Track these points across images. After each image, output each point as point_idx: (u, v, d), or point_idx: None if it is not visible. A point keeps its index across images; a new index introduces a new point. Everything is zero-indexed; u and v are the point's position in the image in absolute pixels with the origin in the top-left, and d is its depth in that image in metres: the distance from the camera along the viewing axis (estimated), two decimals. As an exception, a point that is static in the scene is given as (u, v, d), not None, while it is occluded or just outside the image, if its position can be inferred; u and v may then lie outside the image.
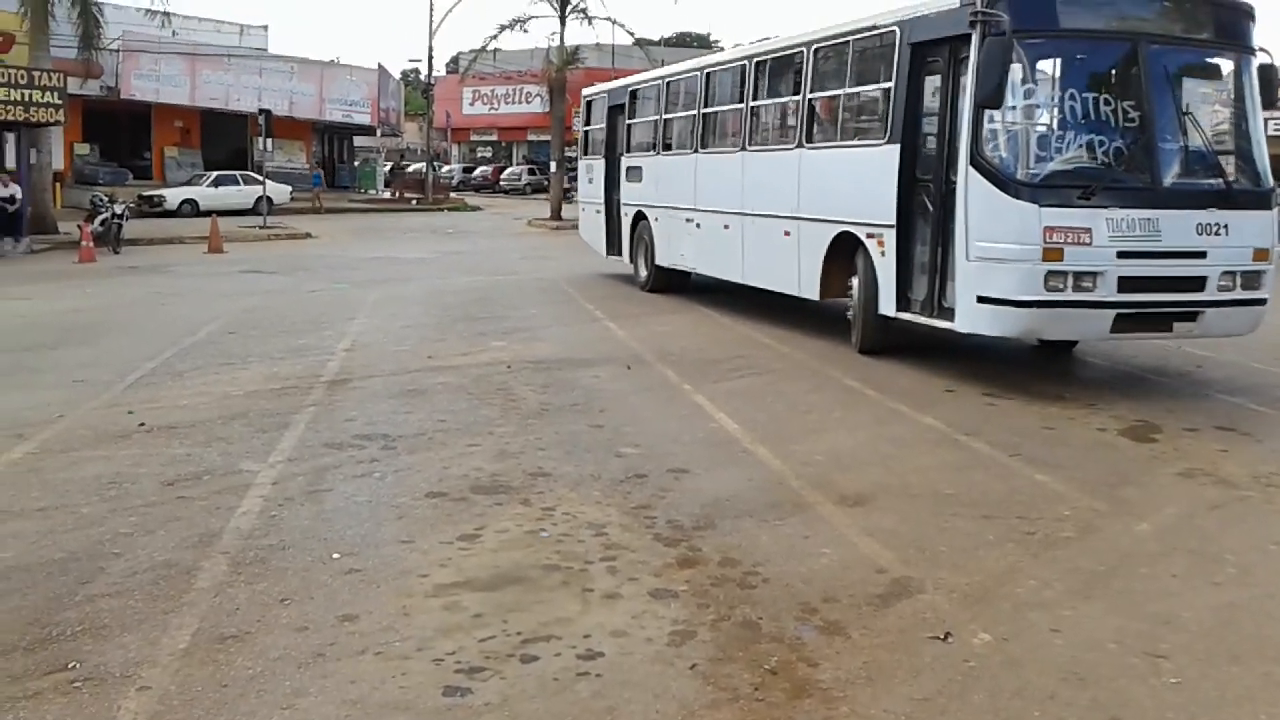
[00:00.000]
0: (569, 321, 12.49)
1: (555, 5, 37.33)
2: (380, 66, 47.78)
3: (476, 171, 63.12)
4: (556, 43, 37.84)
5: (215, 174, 34.58)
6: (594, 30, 43.76)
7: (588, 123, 18.08)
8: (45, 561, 4.62)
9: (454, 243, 25.47)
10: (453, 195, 48.52)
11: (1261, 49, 8.81)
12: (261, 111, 29.87)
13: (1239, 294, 8.33)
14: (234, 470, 6.05)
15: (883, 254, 9.37)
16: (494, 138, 67.84)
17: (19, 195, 20.98)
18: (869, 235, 9.60)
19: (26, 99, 20.98)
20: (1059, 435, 7.17)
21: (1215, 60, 8.92)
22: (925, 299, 9.02)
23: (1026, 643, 3.96)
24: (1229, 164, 8.71)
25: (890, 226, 9.23)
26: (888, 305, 9.42)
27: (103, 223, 21.42)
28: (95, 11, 25.63)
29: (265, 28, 46.85)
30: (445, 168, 55.15)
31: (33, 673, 3.63)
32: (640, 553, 4.82)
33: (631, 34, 42.54)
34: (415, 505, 5.46)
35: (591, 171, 17.38)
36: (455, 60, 66.10)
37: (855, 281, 9.97)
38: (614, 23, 48.27)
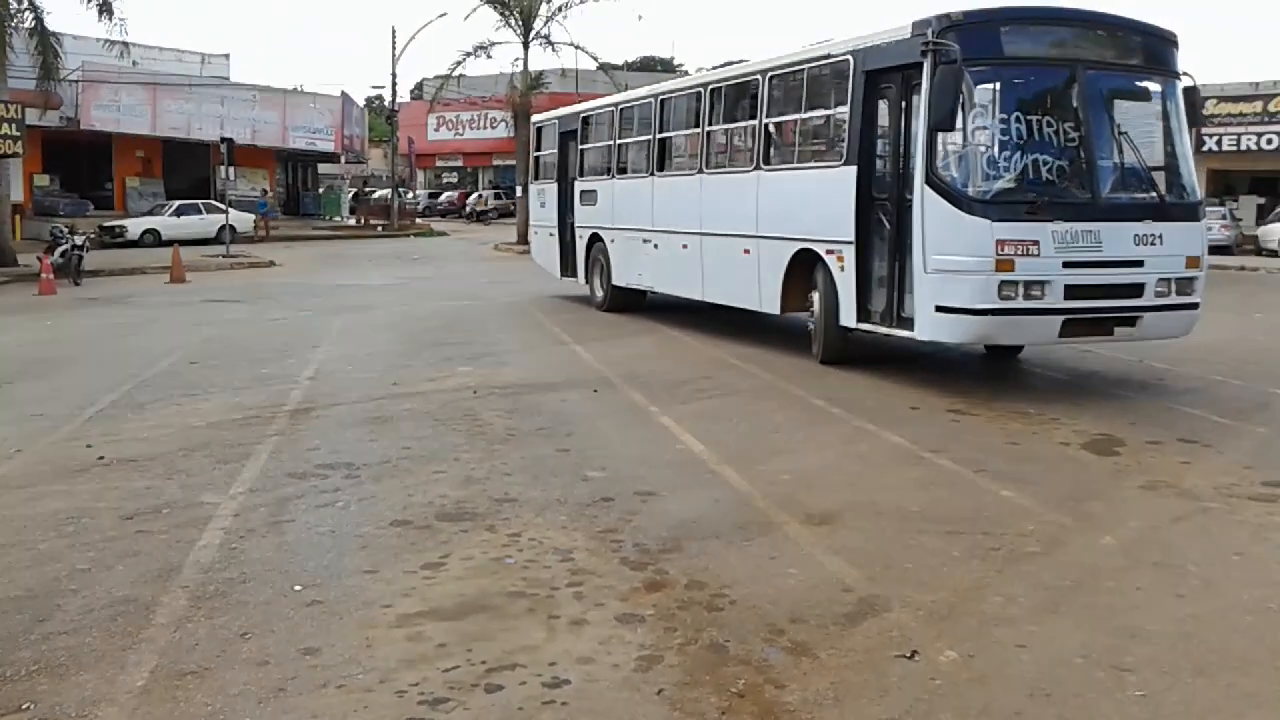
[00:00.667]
0: (536, 345, 12.46)
1: (519, 32, 37.44)
2: (344, 93, 47.67)
3: (442, 197, 63.05)
4: (520, 68, 37.96)
5: (177, 203, 34.36)
6: (558, 56, 43.89)
7: (538, 148, 18.42)
8: (0, 599, 4.53)
9: (420, 268, 25.38)
10: (418, 221, 48.41)
11: (1185, 73, 9.45)
12: (223, 140, 29.72)
13: (1174, 299, 8.93)
14: (195, 503, 5.96)
15: (842, 269, 9.80)
16: (459, 163, 67.83)
17: (-23, 228, 20.75)
18: (828, 251, 10.00)
19: (-16, 131, 20.78)
20: (1023, 450, 7.22)
21: (1145, 84, 9.50)
22: (884, 310, 9.47)
23: (993, 659, 3.95)
24: (1161, 179, 9.27)
25: (849, 243, 9.63)
26: (848, 317, 9.82)
27: (63, 254, 21.20)
28: (54, 42, 25.41)
29: (227, 56, 46.52)
30: (410, 194, 55.01)
31: (-15, 715, 3.55)
32: (607, 577, 4.79)
33: (595, 59, 42.72)
34: (379, 534, 5.40)
35: (544, 195, 17.67)
36: (419, 86, 66.10)
37: (816, 296, 10.38)
38: (577, 48, 48.40)
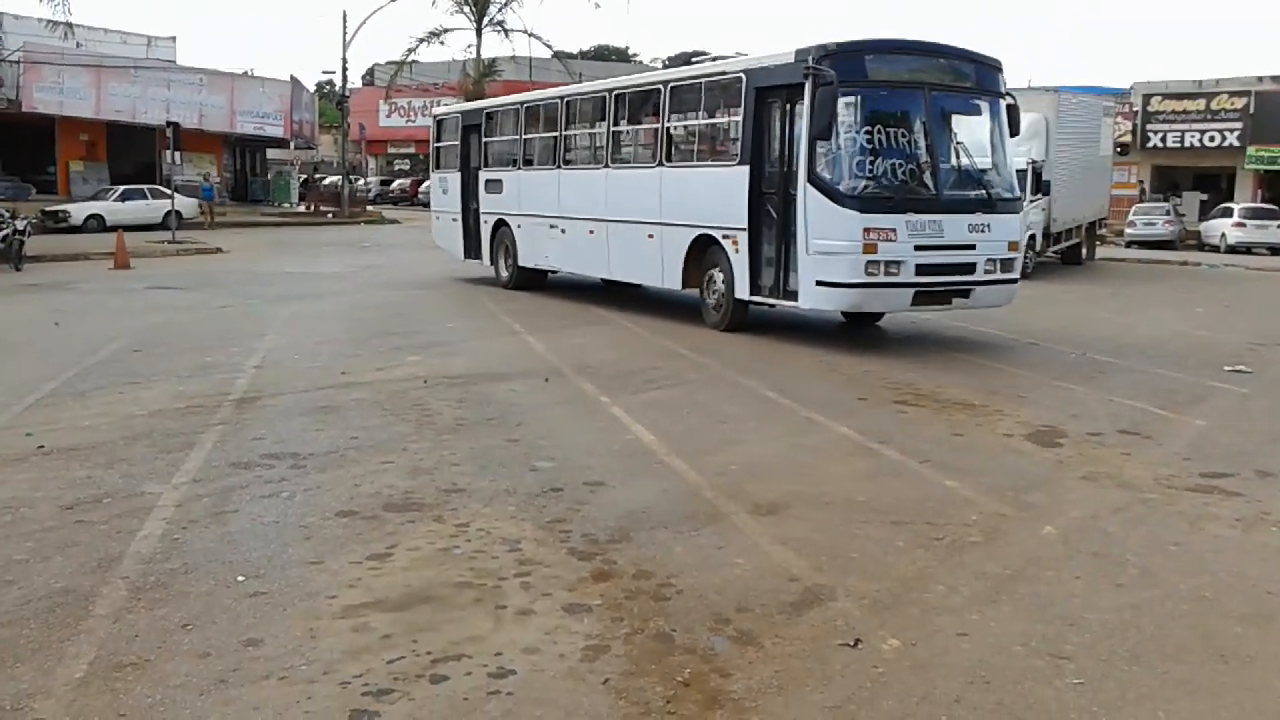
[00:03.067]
0: (488, 335, 12.41)
1: (472, 18, 37.24)
2: (293, 78, 47.03)
3: (394, 185, 62.39)
4: (474, 55, 37.72)
5: (122, 188, 33.70)
6: (512, 44, 43.73)
7: (439, 139, 19.97)
8: (-67, 592, 4.44)
9: (371, 256, 25.14)
10: (370, 209, 47.92)
11: (1008, 93, 11.61)
12: (169, 124, 29.19)
13: (999, 275, 11.12)
14: (136, 493, 5.87)
15: (736, 251, 11.68)
16: (411, 150, 67.17)
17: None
18: (724, 236, 11.88)
19: (-80, 111, 20.28)
20: (968, 442, 7.31)
21: (977, 102, 11.50)
22: (773, 285, 11.41)
23: (934, 647, 4.01)
24: (989, 179, 11.32)
25: (743, 230, 11.54)
26: (742, 291, 11.74)
27: (4, 239, 20.73)
28: (-7, 22, 24.88)
29: (173, 39, 45.80)
30: (362, 181, 54.42)
31: (-84, 709, 3.48)
32: (555, 568, 4.79)
33: (549, 47, 42.65)
34: (324, 525, 5.35)
35: (446, 184, 19.27)
36: (371, 72, 65.41)
37: (719, 275, 12.18)
38: (530, 35, 48.19)
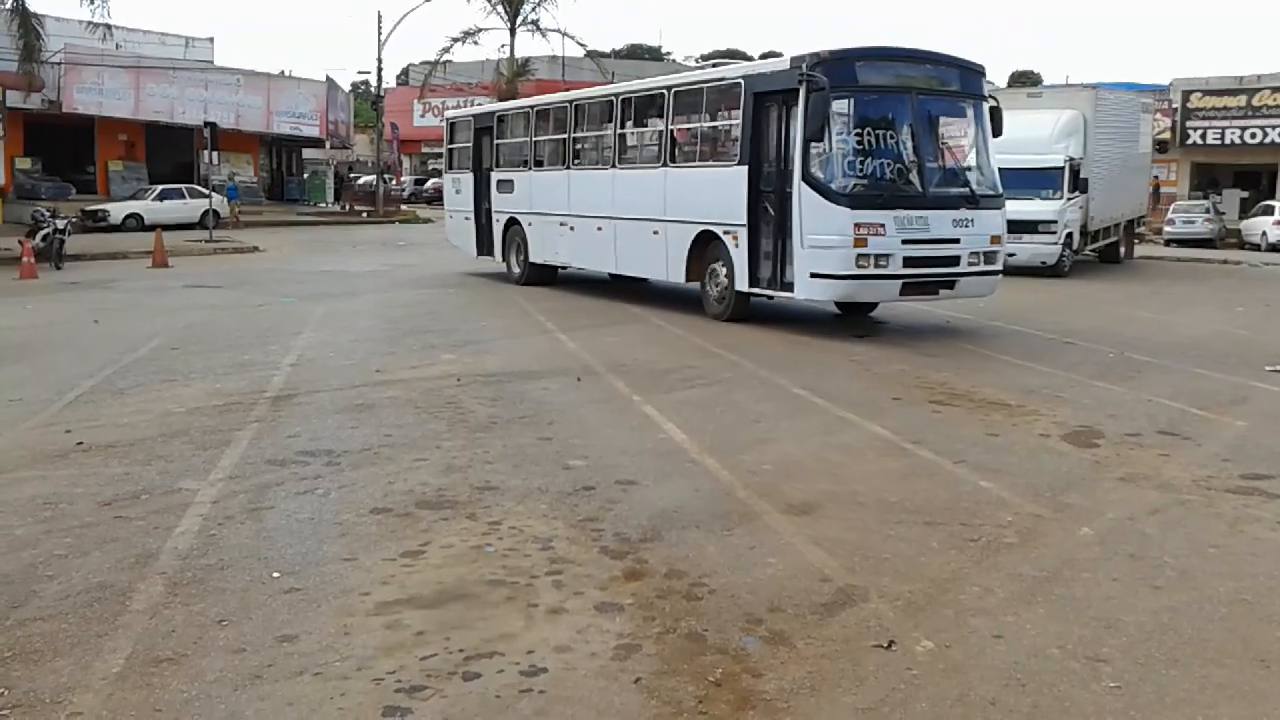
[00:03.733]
0: (520, 333, 12.44)
1: (506, 18, 37.33)
2: (329, 78, 47.35)
3: (428, 184, 62.64)
4: (507, 55, 37.82)
5: (160, 188, 34.08)
6: (547, 42, 43.89)
7: (452, 141, 20.83)
8: (-25, 585, 4.51)
9: (404, 255, 25.30)
10: (403, 208, 48.18)
11: (991, 96, 12.41)
12: (207, 124, 29.50)
13: (983, 267, 11.91)
14: (173, 489, 5.94)
15: (736, 246, 12.38)
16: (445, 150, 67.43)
17: (-43, 211, 20.59)
18: (725, 232, 12.60)
19: (-36, 113, 20.60)
20: (1003, 442, 7.24)
21: (961, 105, 12.24)
22: (770, 277, 12.11)
23: (969, 649, 3.97)
24: (973, 177, 12.08)
25: (743, 226, 12.25)
26: (742, 284, 12.47)
27: (44, 238, 21.04)
28: (36, 24, 25.19)
29: (211, 40, 46.16)
30: (396, 180, 54.69)
31: (-42, 701, 3.53)
32: (586, 566, 4.79)
33: (583, 46, 42.71)
34: (359, 522, 5.39)
35: (459, 184, 20.10)
36: (405, 72, 65.80)
37: (721, 268, 12.90)
38: (564, 34, 48.23)
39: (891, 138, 11.53)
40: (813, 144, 11.24)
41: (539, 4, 39.06)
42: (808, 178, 11.29)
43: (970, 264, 11.75)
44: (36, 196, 31.66)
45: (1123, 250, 25.01)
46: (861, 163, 11.34)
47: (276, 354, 10.58)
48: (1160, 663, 3.89)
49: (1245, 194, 37.39)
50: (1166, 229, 32.57)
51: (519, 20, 38.19)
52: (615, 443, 7.11)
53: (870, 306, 13.50)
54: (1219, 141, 37.73)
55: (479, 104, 28.59)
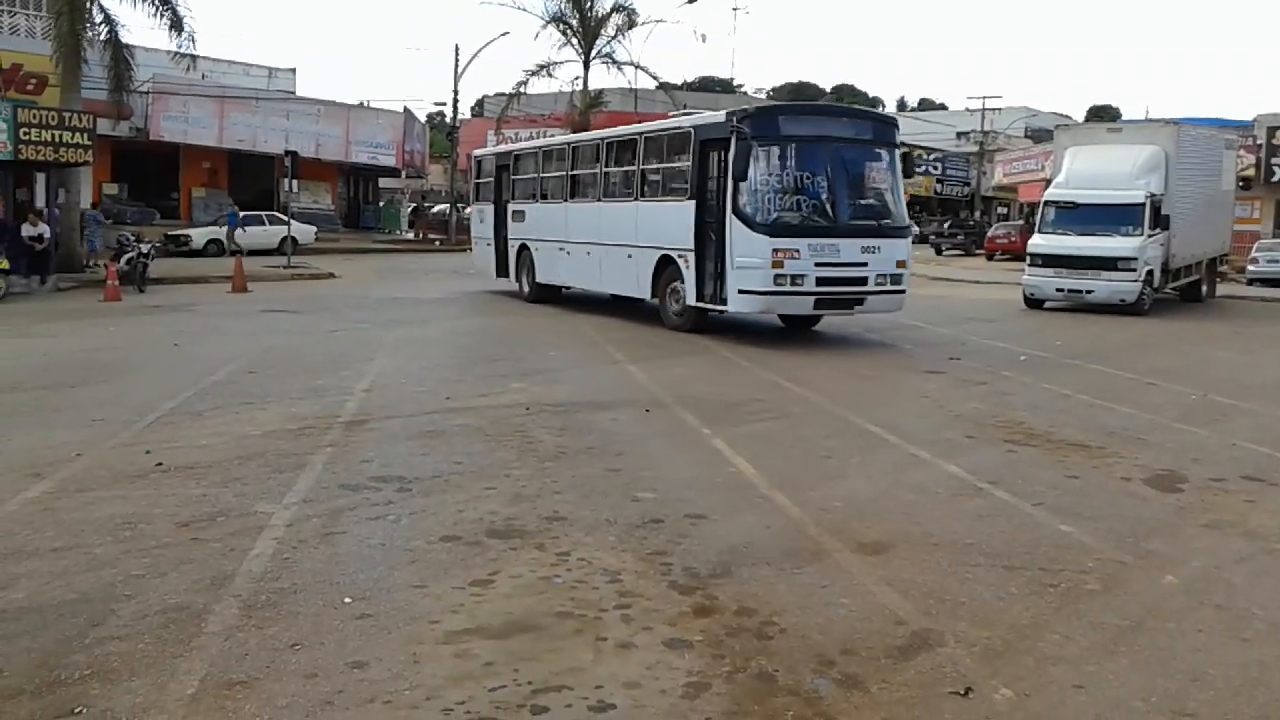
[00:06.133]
0: (588, 363, 12.47)
1: (580, 51, 37.70)
2: (406, 109, 48.28)
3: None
4: (580, 87, 38.17)
5: (241, 214, 34.89)
6: (622, 74, 44.10)
7: (478, 176, 23.37)
8: (56, 603, 4.60)
9: (474, 282, 25.49)
10: (475, 236, 48.62)
11: (903, 143, 15.08)
12: (288, 153, 30.15)
13: (889, 287, 14.07)
14: (249, 512, 6.02)
15: (687, 267, 14.64)
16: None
17: (47, 234, 21.25)
18: (679, 256, 14.83)
19: (56, 139, 21.27)
20: (1083, 485, 7.07)
21: (875, 150, 14.42)
22: (711, 293, 14.31)
23: (1049, 699, 3.86)
24: (880, 211, 14.32)
25: (691, 250, 14.48)
26: (692, 298, 14.67)
27: (129, 261, 21.63)
28: (127, 55, 26.03)
29: (293, 70, 47.35)
30: (469, 209, 55.34)
31: (38, 717, 3.59)
32: (655, 601, 4.75)
33: (655, 78, 42.93)
34: (429, 549, 5.41)
35: (483, 214, 22.71)
36: (480, 103, 66.77)
37: (681, 286, 14.95)
38: (638, 67, 48.46)
39: (808, 178, 13.76)
40: (740, 183, 13.36)
41: (613, 38, 39.41)
42: (736, 210, 13.51)
43: (878, 284, 13.90)
44: (122, 221, 32.58)
45: (1204, 289, 24.39)
46: (780, 198, 13.56)
47: (350, 379, 10.73)
48: (1249, 719, 3.74)
49: (1332, 233, 36.26)
50: (1250, 268, 31.70)
51: (593, 53, 38.54)
52: (684, 475, 7.07)
53: (813, 320, 15.66)
54: (1306, 179, 36.68)
55: (551, 134, 29.00)
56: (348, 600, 4.67)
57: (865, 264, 13.71)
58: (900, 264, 14.13)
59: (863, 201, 14.19)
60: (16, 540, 5.44)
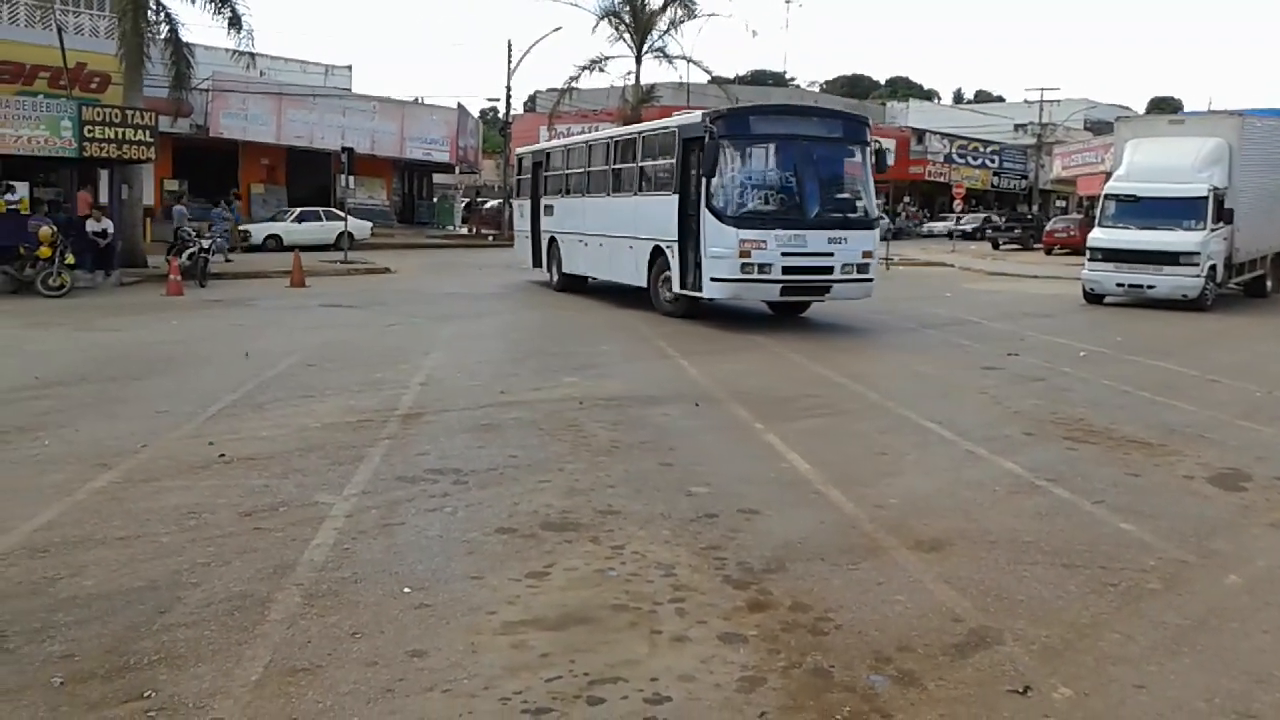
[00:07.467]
0: (641, 358, 12.49)
1: (632, 45, 37.71)
2: (459, 106, 48.56)
3: (552, 208, 63.48)
4: (633, 81, 38.19)
5: (299, 210, 35.34)
6: (674, 68, 44.08)
7: (519, 173, 24.69)
8: (125, 590, 4.71)
9: (527, 276, 25.62)
10: (528, 231, 48.84)
11: (874, 140, 15.67)
12: (344, 149, 30.42)
13: (855, 276, 14.89)
14: (309, 502, 6.12)
15: (674, 257, 15.62)
16: (570, 175, 68.26)
17: (110, 230, 21.67)
18: (667, 247, 15.83)
19: (120, 137, 21.64)
20: (1144, 483, 6.97)
21: (846, 147, 15.35)
22: (691, 281, 15.25)
23: (1109, 699, 3.82)
24: (848, 205, 15.18)
25: (676, 241, 15.50)
26: (678, 286, 15.68)
27: (190, 257, 22.00)
28: (187, 53, 26.45)
29: (349, 68, 47.87)
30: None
31: (109, 700, 3.69)
32: (709, 595, 4.77)
33: (708, 72, 42.83)
34: (485, 541, 5.47)
35: (522, 209, 24.11)
36: (533, 99, 66.98)
37: (669, 274, 15.89)
38: (690, 61, 48.27)
39: (776, 174, 14.93)
40: (711, 179, 14.42)
41: (666, 32, 39.39)
42: (709, 204, 14.54)
43: (844, 273, 14.74)
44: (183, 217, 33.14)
45: (1269, 284, 23.86)
46: (749, 193, 14.68)
47: (406, 373, 10.84)
48: (1319, 723, 3.68)
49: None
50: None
51: (645, 48, 38.55)
52: (737, 470, 7.07)
53: (800, 307, 16.60)
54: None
55: (601, 129, 29.16)
56: (407, 590, 4.74)
57: (831, 254, 14.56)
58: (866, 254, 14.96)
59: (830, 195, 14.98)
60: (85, 529, 5.58)
